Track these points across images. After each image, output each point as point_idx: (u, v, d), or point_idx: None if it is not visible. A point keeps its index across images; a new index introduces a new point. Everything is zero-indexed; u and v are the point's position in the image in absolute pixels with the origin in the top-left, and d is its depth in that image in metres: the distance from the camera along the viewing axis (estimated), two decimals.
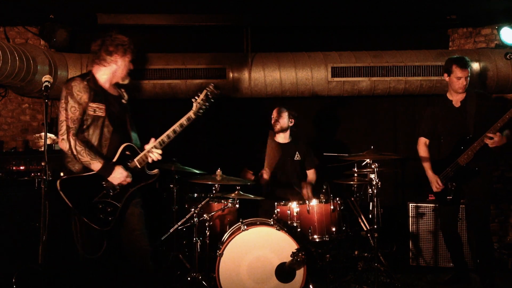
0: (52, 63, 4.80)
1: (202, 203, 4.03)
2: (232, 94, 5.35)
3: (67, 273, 3.45)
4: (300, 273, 3.64)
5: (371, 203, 4.20)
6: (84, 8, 4.87)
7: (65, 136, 3.03)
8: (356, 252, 4.50)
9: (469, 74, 4.10)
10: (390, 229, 4.59)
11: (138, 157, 3.24)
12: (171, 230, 4.19)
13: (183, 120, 3.29)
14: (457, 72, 4.07)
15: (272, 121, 4.72)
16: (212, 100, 3.38)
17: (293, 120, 4.72)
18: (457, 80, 4.08)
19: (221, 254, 3.63)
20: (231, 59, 5.27)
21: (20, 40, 5.35)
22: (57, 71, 4.88)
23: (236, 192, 3.96)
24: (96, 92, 3.16)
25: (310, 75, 5.27)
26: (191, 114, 3.32)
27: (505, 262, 4.92)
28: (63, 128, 3.05)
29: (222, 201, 4.18)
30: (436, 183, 4.15)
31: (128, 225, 3.26)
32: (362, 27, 5.66)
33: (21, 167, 4.46)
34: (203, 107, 3.35)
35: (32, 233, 3.83)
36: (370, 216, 4.20)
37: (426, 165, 4.26)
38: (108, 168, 3.08)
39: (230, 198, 4.12)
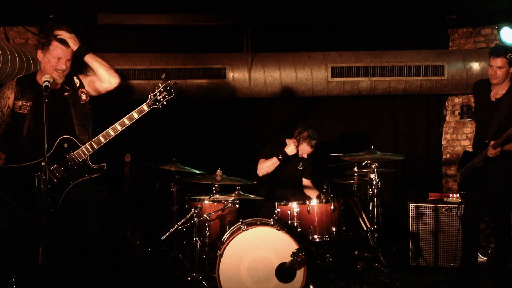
0: None
1: (202, 203, 4.03)
2: (232, 94, 5.35)
3: (67, 273, 3.45)
4: (300, 273, 3.64)
5: (371, 203, 4.20)
6: (84, 8, 4.86)
7: None
8: (356, 252, 4.51)
9: (503, 66, 3.80)
10: (390, 229, 4.59)
11: (77, 150, 3.14)
12: (171, 230, 4.18)
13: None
14: (490, 59, 3.91)
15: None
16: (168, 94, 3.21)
17: None
18: (489, 68, 3.91)
19: (221, 254, 3.62)
20: (231, 59, 5.27)
21: (20, 40, 5.34)
22: None
23: (236, 192, 3.96)
24: (25, 89, 3.18)
25: (310, 75, 5.27)
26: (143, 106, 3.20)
27: None
28: None
29: (222, 201, 4.18)
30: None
31: (73, 219, 3.20)
32: (362, 27, 5.65)
33: None
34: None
35: (32, 233, 3.83)
36: (370, 216, 4.20)
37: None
38: None
39: (230, 198, 4.12)
